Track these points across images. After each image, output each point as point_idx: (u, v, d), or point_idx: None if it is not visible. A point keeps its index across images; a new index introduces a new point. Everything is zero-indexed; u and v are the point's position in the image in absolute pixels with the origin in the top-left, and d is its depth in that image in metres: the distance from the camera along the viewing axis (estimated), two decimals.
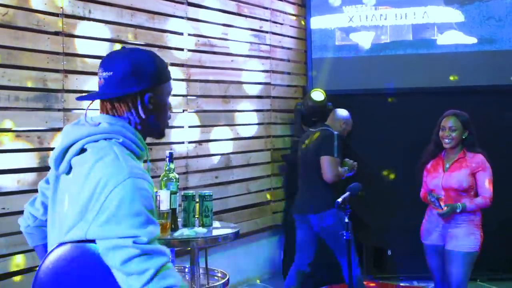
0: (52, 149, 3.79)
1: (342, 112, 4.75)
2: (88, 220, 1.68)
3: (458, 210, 3.62)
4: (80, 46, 4.01)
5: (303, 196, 4.38)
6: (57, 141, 1.91)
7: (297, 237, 4.42)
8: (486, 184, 3.68)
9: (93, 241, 1.70)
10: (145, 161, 1.92)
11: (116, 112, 1.84)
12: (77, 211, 1.72)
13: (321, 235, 4.28)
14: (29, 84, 3.71)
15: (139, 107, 1.81)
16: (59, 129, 3.86)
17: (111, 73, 1.80)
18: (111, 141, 1.77)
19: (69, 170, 1.79)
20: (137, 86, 1.79)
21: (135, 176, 1.69)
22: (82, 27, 4.02)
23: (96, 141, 1.77)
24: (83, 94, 3.97)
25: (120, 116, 1.83)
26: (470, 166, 3.70)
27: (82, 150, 1.77)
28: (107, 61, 1.84)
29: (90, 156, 1.74)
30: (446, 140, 3.74)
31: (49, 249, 1.85)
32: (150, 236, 1.65)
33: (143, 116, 1.83)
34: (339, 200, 3.35)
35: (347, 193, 3.43)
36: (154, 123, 1.88)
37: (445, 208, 3.61)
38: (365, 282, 4.67)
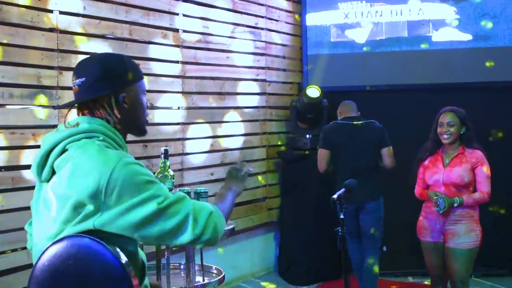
0: None
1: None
2: (93, 212, 1.73)
3: (455, 205, 3.62)
4: (75, 43, 4.00)
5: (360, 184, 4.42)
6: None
7: (351, 225, 4.40)
8: (485, 179, 3.69)
9: (94, 234, 1.74)
10: None
11: (93, 114, 1.91)
12: (71, 207, 1.74)
13: (369, 220, 4.49)
14: (24, 81, 3.70)
15: (114, 108, 1.90)
16: (54, 126, 3.84)
17: (84, 79, 1.89)
18: (92, 139, 1.84)
19: (52, 175, 1.84)
20: (109, 88, 1.89)
21: (124, 156, 1.80)
22: (76, 24, 4.01)
23: (78, 140, 1.84)
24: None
25: (98, 116, 1.91)
26: (470, 161, 3.71)
27: (64, 152, 1.83)
28: (79, 69, 1.93)
29: (73, 153, 1.80)
30: (445, 136, 3.75)
31: (35, 257, 1.84)
32: (165, 192, 1.80)
33: (119, 116, 1.91)
34: (335, 196, 3.34)
35: (343, 189, 3.42)
36: (132, 122, 1.98)
37: (442, 200, 3.61)
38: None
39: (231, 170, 2.28)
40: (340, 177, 4.40)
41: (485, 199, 3.68)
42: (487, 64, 5.64)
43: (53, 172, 1.84)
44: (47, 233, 1.81)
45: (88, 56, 2.01)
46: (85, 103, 1.91)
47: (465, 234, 3.66)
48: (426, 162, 3.88)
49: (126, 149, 1.96)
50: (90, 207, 1.73)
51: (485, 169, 3.71)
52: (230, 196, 2.11)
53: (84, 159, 1.77)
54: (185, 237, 1.80)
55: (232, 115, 5.43)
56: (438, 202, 3.62)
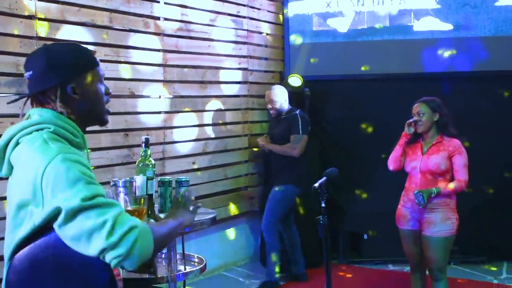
0: None
1: None
2: (35, 210, 1.70)
3: (433, 195, 3.68)
4: (54, 30, 3.95)
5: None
6: None
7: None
8: (462, 168, 3.74)
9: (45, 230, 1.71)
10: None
11: (44, 106, 1.89)
12: (15, 206, 1.74)
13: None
14: (1, 69, 3.65)
15: (62, 99, 1.86)
16: None
17: (31, 72, 1.87)
18: (43, 131, 1.80)
19: (11, 170, 1.83)
20: (55, 80, 1.85)
21: (65, 151, 1.73)
22: (55, 11, 3.95)
23: (30, 133, 1.81)
24: None
25: (49, 108, 1.88)
26: (447, 149, 3.76)
27: (18, 145, 1.81)
28: (28, 61, 1.91)
29: (22, 148, 1.79)
30: (417, 125, 3.84)
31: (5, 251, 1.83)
32: (94, 192, 1.70)
33: (66, 109, 1.87)
34: (316, 185, 3.35)
35: (324, 178, 3.44)
36: (87, 112, 1.93)
37: (422, 197, 3.65)
38: (341, 267, 4.72)
39: (178, 200, 2.19)
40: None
41: (462, 188, 3.73)
42: (446, 54, 5.69)
43: (12, 167, 1.83)
44: (6, 236, 1.80)
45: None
46: (35, 96, 1.89)
47: (441, 223, 3.71)
48: (407, 149, 3.93)
49: (83, 139, 1.91)
50: (32, 205, 1.70)
51: (462, 158, 3.75)
52: (171, 223, 1.97)
53: (27, 154, 1.75)
54: (98, 243, 1.66)
55: (214, 103, 5.42)
56: (418, 200, 3.67)
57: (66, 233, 1.68)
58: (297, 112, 5.09)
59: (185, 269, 3.46)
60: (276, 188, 5.04)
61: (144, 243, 1.71)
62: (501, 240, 5.62)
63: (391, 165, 3.97)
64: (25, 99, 1.97)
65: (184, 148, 5.07)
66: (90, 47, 4.12)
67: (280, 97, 5.09)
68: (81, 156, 1.79)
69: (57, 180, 1.67)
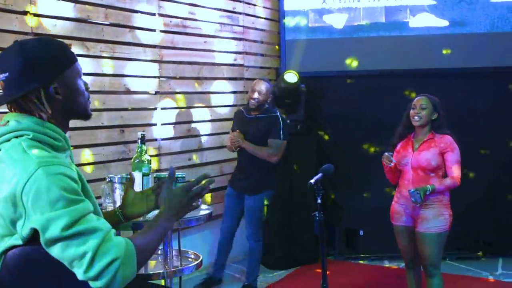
0: None
1: None
2: (20, 223, 1.66)
3: (427, 193, 3.67)
4: (49, 26, 3.93)
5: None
6: None
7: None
8: (454, 164, 3.74)
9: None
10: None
11: (24, 111, 1.77)
12: (2, 214, 1.69)
13: None
14: None
15: (45, 102, 1.75)
16: None
17: (7, 73, 1.73)
18: (22, 138, 1.72)
19: None
20: (36, 82, 1.73)
21: (46, 164, 1.64)
22: (51, 7, 3.94)
23: (8, 140, 1.73)
24: None
25: (29, 114, 1.77)
26: (439, 146, 3.76)
27: None
28: (1, 62, 1.77)
29: (2, 156, 1.71)
30: (416, 118, 3.81)
31: None
32: (77, 216, 1.63)
33: (50, 111, 1.76)
34: (312, 181, 3.36)
35: (320, 174, 3.44)
36: (70, 110, 1.84)
37: (419, 195, 3.64)
38: (337, 263, 4.73)
39: (177, 192, 1.94)
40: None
41: (456, 184, 3.72)
42: (442, 50, 5.69)
43: None
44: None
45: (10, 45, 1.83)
46: (14, 100, 1.76)
47: (434, 219, 3.71)
48: (398, 146, 3.94)
49: (66, 141, 1.84)
50: (16, 217, 1.66)
51: (454, 154, 3.75)
52: (161, 227, 1.85)
53: (7, 165, 1.67)
54: (78, 273, 1.64)
55: (209, 100, 5.41)
56: (415, 199, 3.66)
57: (50, 252, 1.66)
58: (278, 113, 4.73)
59: (181, 265, 3.46)
60: (251, 198, 4.69)
61: (126, 272, 1.67)
62: (496, 236, 5.64)
63: (393, 182, 4.00)
64: None
65: (180, 145, 5.07)
66: (86, 43, 4.14)
67: (267, 91, 4.68)
68: (63, 163, 1.70)
69: (37, 197, 1.61)
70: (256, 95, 4.63)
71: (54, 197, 1.61)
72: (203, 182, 1.98)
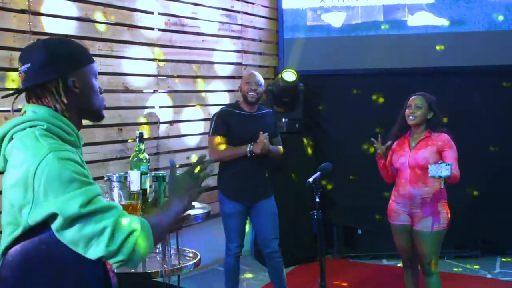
0: None
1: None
2: (25, 208, 1.69)
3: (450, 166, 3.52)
4: (48, 25, 3.93)
5: None
6: None
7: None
8: (453, 161, 3.73)
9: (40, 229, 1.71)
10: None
11: (41, 101, 1.85)
12: (8, 205, 1.73)
13: None
14: None
15: (62, 93, 1.83)
16: None
17: (29, 64, 1.82)
18: (36, 128, 1.78)
19: (6, 164, 1.81)
20: (57, 72, 1.82)
21: (56, 149, 1.71)
22: (49, 5, 3.94)
23: (23, 129, 1.79)
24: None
25: (46, 104, 1.84)
26: (436, 144, 3.76)
27: (11, 140, 1.80)
28: (24, 55, 1.87)
29: (15, 144, 1.77)
30: (411, 117, 3.81)
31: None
32: (91, 195, 1.69)
33: (66, 101, 1.84)
34: (310, 180, 3.36)
35: (318, 173, 3.44)
36: (84, 107, 1.91)
37: (446, 167, 3.48)
38: (335, 261, 4.72)
39: (181, 177, 1.98)
40: None
41: (457, 179, 3.68)
42: (440, 49, 5.69)
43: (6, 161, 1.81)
44: (6, 231, 1.79)
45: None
46: (33, 90, 1.85)
47: (431, 217, 3.71)
48: (394, 145, 3.94)
49: (77, 136, 1.90)
50: (23, 204, 1.69)
51: (452, 152, 3.74)
52: (172, 210, 1.89)
53: (19, 151, 1.73)
54: (98, 250, 1.67)
55: (208, 98, 5.41)
56: (446, 173, 3.42)
57: (64, 237, 1.68)
58: (270, 109, 4.44)
59: (179, 263, 3.46)
60: (268, 202, 4.23)
61: (143, 246, 1.73)
62: (494, 234, 5.65)
63: (388, 180, 3.99)
64: (14, 93, 1.94)
65: (178, 143, 5.06)
66: (84, 42, 4.14)
67: (263, 84, 4.24)
68: (74, 153, 1.76)
69: (50, 181, 1.65)
70: (253, 87, 4.10)
71: (67, 179, 1.67)
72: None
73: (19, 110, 1.90)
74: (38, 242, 1.72)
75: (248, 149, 3.99)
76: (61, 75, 1.82)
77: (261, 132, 3.97)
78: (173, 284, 3.20)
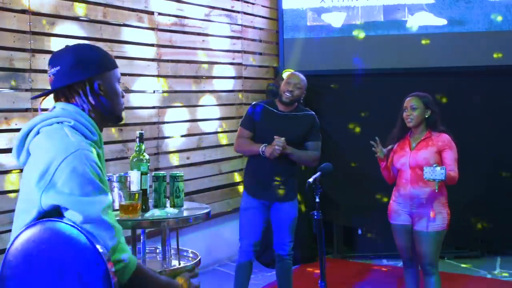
0: (19, 129, 3.73)
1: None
2: (38, 193, 1.75)
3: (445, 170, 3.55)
4: (48, 25, 3.93)
5: None
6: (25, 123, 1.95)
7: None
8: (453, 162, 3.74)
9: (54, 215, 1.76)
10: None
11: (69, 101, 1.95)
12: (27, 191, 1.78)
13: None
14: None
15: (89, 94, 1.93)
16: (26, 110, 3.79)
17: (59, 67, 1.93)
18: (63, 124, 1.87)
19: (28, 157, 1.87)
20: (84, 75, 1.92)
21: (84, 148, 1.79)
22: (49, 5, 3.94)
23: (50, 124, 1.86)
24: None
25: (73, 104, 1.94)
26: (436, 144, 3.76)
27: (38, 134, 1.86)
28: (54, 58, 1.97)
29: (41, 137, 1.84)
30: (408, 119, 3.83)
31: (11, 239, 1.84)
32: (102, 205, 1.76)
33: (93, 102, 1.94)
34: (310, 180, 3.36)
35: (318, 173, 3.44)
36: (108, 109, 2.00)
37: (440, 170, 3.51)
38: (336, 262, 4.72)
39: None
40: None
41: (455, 180, 3.70)
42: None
43: (29, 154, 1.87)
44: (19, 220, 1.83)
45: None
46: (61, 91, 1.94)
47: (432, 217, 3.71)
48: (395, 146, 3.94)
49: (100, 137, 1.98)
50: (38, 189, 1.75)
51: (452, 153, 3.75)
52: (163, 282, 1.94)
53: (46, 142, 1.80)
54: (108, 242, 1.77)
55: (208, 99, 5.41)
56: (440, 176, 3.48)
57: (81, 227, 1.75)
58: (313, 112, 4.24)
59: (179, 264, 3.46)
60: (289, 205, 4.10)
61: (126, 276, 1.79)
62: (494, 234, 5.65)
63: (390, 181, 3.99)
64: (44, 95, 2.03)
65: (178, 143, 5.06)
66: (85, 42, 4.13)
67: (304, 86, 4.12)
68: (96, 156, 1.85)
69: (72, 176, 1.73)
70: (292, 88, 4.02)
71: (87, 180, 1.75)
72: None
73: (43, 110, 1.98)
74: (38, 242, 1.73)
75: (260, 149, 3.95)
76: (88, 78, 1.93)
77: (276, 137, 3.90)
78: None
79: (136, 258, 1.85)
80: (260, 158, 3.98)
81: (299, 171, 5.39)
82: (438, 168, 3.47)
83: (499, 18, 5.70)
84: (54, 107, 1.94)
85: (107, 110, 1.99)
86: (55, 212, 1.76)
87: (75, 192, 1.73)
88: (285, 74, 5.45)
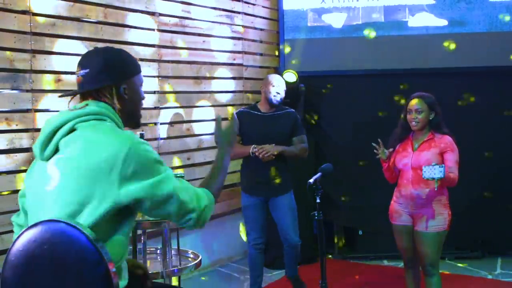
0: (20, 130, 3.73)
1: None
2: (112, 187, 1.83)
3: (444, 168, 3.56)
4: (48, 25, 3.93)
5: None
6: (42, 128, 2.01)
7: None
8: (454, 164, 3.74)
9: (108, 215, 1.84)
10: None
11: (98, 100, 2.03)
12: (85, 183, 1.83)
13: None
14: None
15: (115, 97, 2.03)
16: (27, 110, 3.79)
17: (88, 70, 2.01)
18: (103, 121, 1.96)
19: (54, 153, 1.92)
20: (111, 79, 2.02)
21: (137, 139, 1.94)
22: (50, 6, 3.94)
23: (87, 121, 1.94)
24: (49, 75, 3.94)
25: (105, 102, 2.03)
26: (439, 146, 3.76)
27: (71, 131, 1.92)
28: (84, 60, 2.05)
29: (83, 132, 1.91)
30: (413, 123, 3.80)
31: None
32: (172, 178, 1.96)
33: (119, 106, 2.04)
34: (311, 180, 3.36)
35: (319, 174, 3.45)
36: (130, 113, 2.10)
37: (439, 169, 3.52)
38: (336, 262, 4.72)
39: (225, 131, 2.39)
40: None
41: (455, 181, 3.71)
42: (441, 49, 5.68)
43: (56, 150, 1.92)
44: (51, 202, 1.85)
45: (93, 48, 2.13)
46: (90, 92, 2.03)
47: (433, 218, 3.71)
48: (397, 147, 3.94)
49: None
50: (105, 180, 1.82)
51: (454, 155, 3.75)
52: (225, 164, 2.29)
53: (99, 136, 1.88)
54: (189, 223, 2.02)
55: (208, 99, 5.41)
56: (434, 175, 3.52)
57: (161, 212, 1.95)
58: (293, 109, 4.59)
59: (180, 264, 3.46)
60: (286, 197, 4.39)
61: (209, 214, 2.11)
62: (495, 235, 5.65)
63: (392, 181, 3.99)
64: (71, 94, 2.13)
65: (178, 144, 5.06)
66: (85, 42, 4.14)
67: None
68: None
69: (140, 162, 1.87)
70: (278, 91, 4.35)
71: (153, 161, 1.92)
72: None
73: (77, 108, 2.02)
74: (40, 242, 1.73)
75: (251, 150, 4.22)
76: (114, 82, 2.02)
77: (260, 148, 4.19)
78: (174, 285, 3.21)
79: (209, 194, 2.11)
80: (253, 158, 4.24)
81: (300, 172, 5.40)
82: (437, 166, 3.49)
83: (501, 19, 5.69)
84: (87, 105, 1.99)
85: (129, 113, 2.09)
86: (134, 201, 1.86)
87: (147, 177, 1.86)
88: (287, 77, 5.46)
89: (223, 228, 5.62)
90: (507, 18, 5.68)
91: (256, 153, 4.19)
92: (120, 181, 1.83)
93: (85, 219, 1.82)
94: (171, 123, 4.98)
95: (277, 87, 4.36)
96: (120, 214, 1.88)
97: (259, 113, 4.40)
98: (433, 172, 3.49)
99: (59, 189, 1.86)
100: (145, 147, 1.91)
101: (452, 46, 5.75)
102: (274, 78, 4.43)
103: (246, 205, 4.43)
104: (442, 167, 3.49)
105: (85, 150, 1.86)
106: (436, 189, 3.57)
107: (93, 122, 1.94)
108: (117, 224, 1.89)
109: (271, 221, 5.29)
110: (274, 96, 4.34)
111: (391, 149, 3.90)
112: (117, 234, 1.89)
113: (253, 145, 4.22)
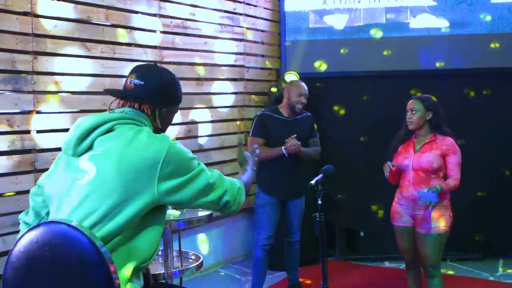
0: (22, 132, 3.74)
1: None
2: (151, 185, 1.95)
3: (437, 192, 3.61)
4: (50, 27, 3.93)
5: None
6: (72, 129, 2.10)
7: None
8: (456, 166, 3.75)
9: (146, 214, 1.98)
10: None
11: (139, 108, 2.17)
12: (124, 180, 1.92)
13: None
14: None
15: (156, 115, 2.19)
16: (29, 112, 3.80)
17: (143, 83, 2.16)
18: (143, 127, 2.09)
19: (87, 149, 2.01)
20: (160, 100, 2.18)
21: (174, 142, 2.06)
22: (51, 8, 3.94)
23: (127, 124, 2.06)
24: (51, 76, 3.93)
25: (144, 113, 2.18)
26: (440, 148, 3.77)
27: (109, 131, 2.03)
28: (142, 71, 2.20)
29: (123, 132, 2.02)
30: (408, 122, 3.87)
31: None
32: (206, 171, 2.12)
33: (160, 126, 2.21)
34: (313, 182, 3.37)
35: (320, 175, 3.45)
36: (159, 132, 2.21)
37: (434, 194, 3.59)
38: (338, 264, 4.72)
39: (244, 156, 2.60)
40: None
41: (456, 186, 3.74)
42: (442, 51, 5.68)
43: (90, 147, 2.01)
44: (87, 196, 1.92)
45: (150, 63, 2.27)
46: (135, 100, 2.16)
47: (434, 220, 3.72)
48: (399, 148, 3.95)
49: None
50: (144, 178, 1.94)
51: (456, 157, 3.77)
52: (250, 172, 2.51)
53: (140, 136, 2.00)
54: (229, 209, 2.22)
55: (210, 101, 5.41)
56: (429, 199, 3.61)
57: (200, 203, 2.10)
58: (309, 113, 4.74)
59: (181, 266, 3.47)
60: (300, 201, 4.63)
61: (243, 198, 2.32)
62: (496, 237, 5.64)
63: (393, 182, 3.99)
64: (116, 96, 2.24)
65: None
66: (86, 44, 4.14)
67: None
68: None
69: (178, 162, 2.00)
70: (303, 100, 4.53)
71: (188, 158, 2.07)
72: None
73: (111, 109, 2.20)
74: (41, 244, 1.73)
75: (283, 150, 4.38)
76: (160, 104, 2.18)
77: (290, 138, 4.38)
78: (176, 284, 3.21)
79: (241, 182, 2.32)
80: (280, 159, 4.41)
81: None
82: (430, 192, 3.60)
83: (502, 20, 5.69)
84: (130, 110, 2.13)
85: (158, 131, 2.18)
86: (172, 198, 2.00)
87: (184, 173, 2.01)
88: (288, 78, 5.45)
89: (224, 229, 5.62)
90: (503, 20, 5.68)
91: (288, 144, 4.34)
92: (159, 179, 1.95)
93: (124, 214, 1.91)
94: (172, 125, 4.97)
95: (303, 97, 4.52)
96: (155, 211, 1.99)
97: (282, 117, 4.55)
98: (428, 197, 3.61)
99: (95, 184, 1.92)
100: (180, 147, 2.06)
101: (454, 47, 5.75)
102: (302, 89, 4.54)
103: (263, 203, 4.53)
104: (435, 190, 3.59)
105: (126, 149, 1.96)
106: (430, 209, 3.68)
107: (131, 126, 2.05)
108: (151, 220, 2.00)
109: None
110: (298, 106, 4.51)
111: (390, 163, 3.87)
112: (150, 229, 2.00)
113: (282, 146, 4.37)
